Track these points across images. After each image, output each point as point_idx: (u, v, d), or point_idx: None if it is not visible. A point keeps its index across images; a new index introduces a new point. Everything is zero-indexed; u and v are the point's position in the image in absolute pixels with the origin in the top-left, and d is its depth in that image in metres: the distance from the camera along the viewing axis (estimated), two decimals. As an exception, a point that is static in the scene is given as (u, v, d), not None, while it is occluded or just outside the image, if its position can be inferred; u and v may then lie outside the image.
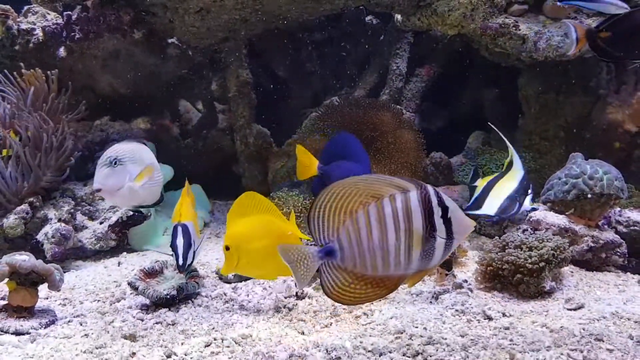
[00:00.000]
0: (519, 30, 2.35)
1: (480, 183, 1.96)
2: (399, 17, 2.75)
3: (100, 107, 2.89)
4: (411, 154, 2.44)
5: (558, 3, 2.04)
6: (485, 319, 1.50)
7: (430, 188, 1.15)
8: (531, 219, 2.02)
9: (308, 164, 1.87)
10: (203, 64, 3.13)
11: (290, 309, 1.63)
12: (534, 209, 2.03)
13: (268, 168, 3.07)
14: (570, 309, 1.57)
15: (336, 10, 2.75)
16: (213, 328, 1.50)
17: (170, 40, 2.87)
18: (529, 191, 1.91)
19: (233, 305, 1.69)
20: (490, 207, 1.86)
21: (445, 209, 1.15)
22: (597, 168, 1.98)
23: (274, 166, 3.04)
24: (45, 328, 1.55)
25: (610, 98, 2.45)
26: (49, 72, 2.47)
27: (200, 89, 3.27)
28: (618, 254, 1.97)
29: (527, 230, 1.99)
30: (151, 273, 1.79)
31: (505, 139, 2.02)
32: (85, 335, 1.50)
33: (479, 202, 1.89)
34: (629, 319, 1.47)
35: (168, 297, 1.66)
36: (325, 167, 1.84)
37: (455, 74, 3.25)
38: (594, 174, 1.96)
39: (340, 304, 1.44)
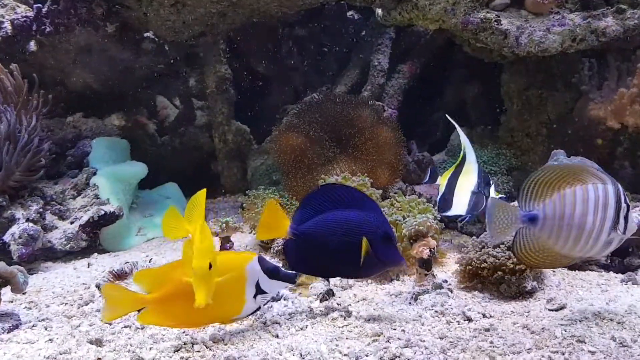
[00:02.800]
0: (501, 25, 2.31)
1: (441, 181, 1.98)
2: (379, 11, 2.71)
3: (73, 103, 2.81)
4: (390, 151, 2.40)
5: None
6: (465, 320, 1.46)
7: (620, 187, 1.28)
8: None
9: (275, 224, 1.46)
10: (180, 59, 3.06)
11: (264, 311, 1.57)
12: (502, 198, 2.00)
13: (247, 166, 3.03)
14: (551, 310, 1.53)
15: (316, 4, 2.70)
16: (183, 331, 1.44)
17: (145, 35, 2.79)
18: (490, 182, 1.95)
19: (205, 307, 1.63)
20: (461, 206, 1.90)
21: (628, 208, 1.28)
22: (579, 165, 1.95)
23: (253, 164, 3.00)
24: (7, 333, 1.49)
25: (592, 94, 2.42)
26: (10, 66, 2.39)
27: (177, 85, 3.20)
28: (601, 252, 1.94)
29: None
30: (121, 275, 1.74)
31: (460, 132, 2.02)
32: (50, 340, 1.43)
33: (447, 202, 1.91)
34: (611, 320, 1.43)
35: (137, 299, 1.60)
36: (300, 227, 1.46)
37: (438, 70, 3.22)
38: (576, 171, 1.93)
39: (520, 263, 1.59)
